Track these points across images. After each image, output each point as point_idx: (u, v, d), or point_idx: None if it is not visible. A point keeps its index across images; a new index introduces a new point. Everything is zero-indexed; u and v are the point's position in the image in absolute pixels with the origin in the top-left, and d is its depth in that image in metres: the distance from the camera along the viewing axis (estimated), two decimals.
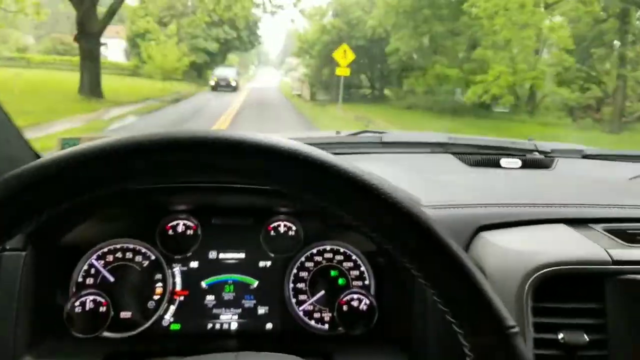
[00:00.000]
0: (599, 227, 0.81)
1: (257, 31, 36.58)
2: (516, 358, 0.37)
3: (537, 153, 1.44)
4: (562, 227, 0.81)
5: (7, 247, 0.78)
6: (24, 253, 0.78)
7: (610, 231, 0.79)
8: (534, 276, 0.69)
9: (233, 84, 22.59)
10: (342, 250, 0.95)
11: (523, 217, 0.83)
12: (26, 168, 0.32)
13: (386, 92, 22.05)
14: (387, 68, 20.63)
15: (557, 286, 0.70)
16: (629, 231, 0.80)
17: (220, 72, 24.15)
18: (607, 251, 0.71)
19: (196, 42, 29.75)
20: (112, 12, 12.71)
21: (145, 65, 22.71)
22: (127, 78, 21.38)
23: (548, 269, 0.69)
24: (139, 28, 24.16)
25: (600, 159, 1.46)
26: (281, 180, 0.36)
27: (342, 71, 14.80)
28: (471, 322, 0.38)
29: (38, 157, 0.90)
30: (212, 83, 22.44)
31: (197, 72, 29.67)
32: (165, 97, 15.35)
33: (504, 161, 1.35)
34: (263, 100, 20.00)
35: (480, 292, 0.38)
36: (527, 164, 1.36)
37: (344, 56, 14.64)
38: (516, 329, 0.38)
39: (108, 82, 13.42)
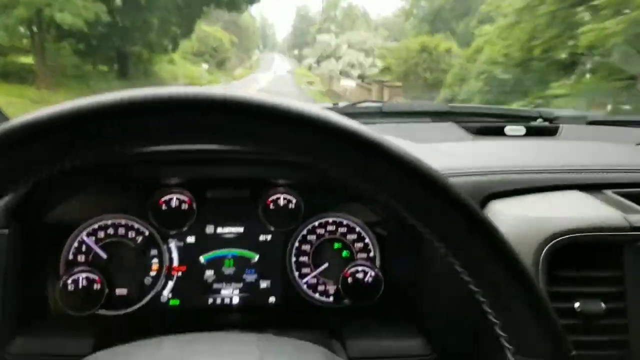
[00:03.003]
0: (614, 192, 0.78)
1: None
2: None
3: (541, 120, 1.40)
4: (576, 194, 0.78)
5: None
6: (6, 231, 0.73)
7: (626, 196, 0.76)
8: (550, 244, 0.66)
9: None
10: (345, 222, 0.91)
11: (535, 184, 0.79)
12: (42, 115, 0.27)
13: None
14: None
15: (573, 253, 0.67)
16: None
17: None
18: (625, 217, 0.68)
19: None
20: None
21: None
22: None
23: (564, 237, 0.66)
24: None
25: (604, 125, 1.42)
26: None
27: None
28: (525, 340, 0.33)
29: None
30: None
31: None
32: None
33: (508, 129, 1.31)
34: None
35: (542, 309, 0.33)
36: (532, 132, 1.32)
37: None
38: (574, 353, 0.33)
39: None
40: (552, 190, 0.80)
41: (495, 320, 0.34)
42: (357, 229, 0.91)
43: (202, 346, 0.39)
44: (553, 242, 0.66)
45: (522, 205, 0.75)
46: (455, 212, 0.32)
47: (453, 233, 0.33)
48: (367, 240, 0.91)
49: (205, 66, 26.26)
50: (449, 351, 0.74)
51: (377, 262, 0.90)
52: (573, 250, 0.67)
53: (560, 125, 1.35)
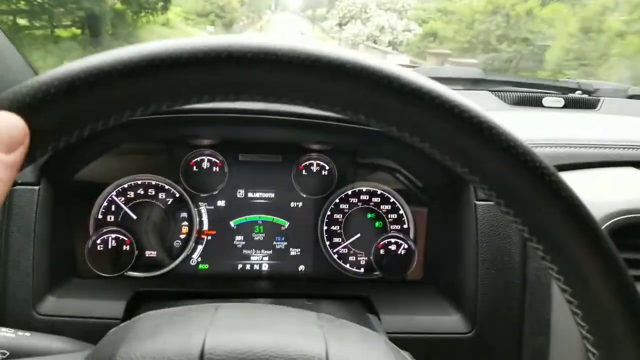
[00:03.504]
0: None
1: None
2: None
3: (580, 92, 1.34)
4: (632, 171, 0.73)
5: (19, 182, 0.71)
6: (37, 187, 0.71)
7: None
8: (606, 225, 0.62)
9: None
10: (379, 192, 0.88)
11: (594, 159, 0.75)
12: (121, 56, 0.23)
13: None
14: None
15: (630, 235, 0.64)
16: None
17: None
18: None
19: None
20: None
21: None
22: None
23: (622, 217, 0.62)
24: None
25: None
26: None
27: None
28: (611, 334, 0.29)
29: None
30: None
31: None
32: None
33: (546, 100, 1.25)
34: None
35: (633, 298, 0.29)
36: (571, 104, 1.26)
37: None
38: None
39: None
40: (608, 166, 0.76)
41: (577, 311, 0.31)
42: (392, 199, 0.88)
43: (261, 319, 0.36)
44: (611, 222, 0.62)
45: (579, 182, 0.71)
46: (550, 190, 0.28)
47: (547, 216, 0.29)
48: (401, 211, 0.88)
49: (211, 29, 22.77)
50: (489, 330, 0.71)
51: (412, 235, 0.87)
52: (631, 232, 0.64)
53: (601, 98, 1.29)
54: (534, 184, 0.28)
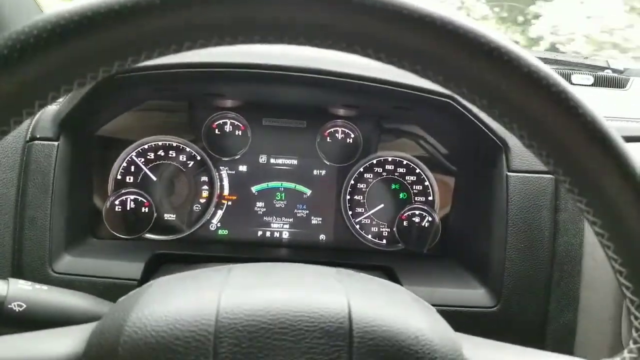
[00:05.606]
0: None
1: None
2: None
3: (609, 71, 1.30)
4: None
5: (38, 136, 0.68)
6: (56, 143, 0.68)
7: None
8: None
9: None
10: (404, 162, 0.85)
11: (624, 133, 0.72)
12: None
13: None
14: None
15: None
16: None
17: None
18: None
19: None
20: None
21: None
22: None
23: None
24: None
25: None
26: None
27: None
28: None
29: None
30: None
31: None
32: None
33: (575, 77, 1.21)
34: None
35: None
36: (600, 82, 1.22)
37: None
38: None
39: None
40: (634, 141, 0.73)
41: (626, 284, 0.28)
42: (417, 169, 0.86)
43: (278, 276, 0.34)
44: None
45: None
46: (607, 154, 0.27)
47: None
48: (427, 182, 0.85)
49: None
50: (514, 305, 0.70)
51: (436, 207, 0.85)
52: None
53: (630, 78, 1.25)
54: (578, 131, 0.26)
